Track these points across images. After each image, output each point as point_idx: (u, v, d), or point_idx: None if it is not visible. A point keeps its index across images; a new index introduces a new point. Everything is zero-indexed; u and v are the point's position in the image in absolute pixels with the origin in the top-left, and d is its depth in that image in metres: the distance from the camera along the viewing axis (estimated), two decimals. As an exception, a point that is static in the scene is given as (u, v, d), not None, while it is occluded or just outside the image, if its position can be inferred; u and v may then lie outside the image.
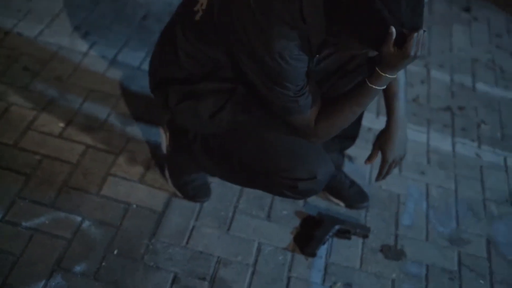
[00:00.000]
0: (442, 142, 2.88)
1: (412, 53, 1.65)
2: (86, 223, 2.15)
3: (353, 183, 2.46)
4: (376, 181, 2.13)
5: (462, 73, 3.35)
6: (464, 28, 3.77)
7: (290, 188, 1.99)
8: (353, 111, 1.88)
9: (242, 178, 2.13)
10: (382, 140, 2.07)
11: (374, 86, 1.80)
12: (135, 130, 2.53)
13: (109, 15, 3.09)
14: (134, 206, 2.26)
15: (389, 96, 2.03)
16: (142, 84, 2.72)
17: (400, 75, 2.00)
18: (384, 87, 1.82)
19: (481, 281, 2.28)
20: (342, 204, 2.43)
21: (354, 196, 2.43)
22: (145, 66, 2.85)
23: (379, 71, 1.76)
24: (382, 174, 2.10)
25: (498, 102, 3.22)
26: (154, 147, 2.47)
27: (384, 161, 2.07)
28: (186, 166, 2.28)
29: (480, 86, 3.31)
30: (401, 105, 2.02)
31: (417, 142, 2.81)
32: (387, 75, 1.76)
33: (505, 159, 2.86)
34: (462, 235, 2.44)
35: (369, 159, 2.11)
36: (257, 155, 1.99)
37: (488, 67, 3.48)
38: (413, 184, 2.61)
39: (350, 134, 2.34)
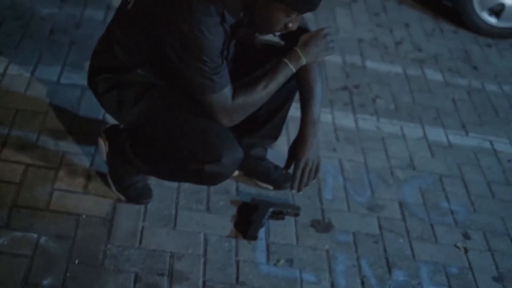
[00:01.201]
0: (346, 120, 3.19)
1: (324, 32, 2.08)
2: (43, 239, 2.27)
3: (276, 167, 2.70)
4: (291, 190, 2.29)
5: (351, 54, 3.68)
6: (346, 10, 4.10)
7: (198, 172, 2.13)
8: (267, 88, 2.12)
9: (165, 169, 2.30)
10: (295, 147, 2.28)
11: (289, 63, 2.10)
12: (69, 143, 2.64)
13: (16, 34, 3.15)
14: (84, 216, 2.39)
15: (303, 102, 2.24)
16: (64, 98, 2.83)
17: (317, 81, 2.23)
18: (297, 67, 2.12)
19: (401, 240, 2.61)
20: (270, 187, 2.67)
21: (280, 178, 2.68)
22: (64, 80, 2.96)
23: (296, 50, 2.10)
24: (296, 179, 2.26)
25: (387, 76, 3.57)
26: (91, 157, 2.60)
27: (296, 166, 2.25)
28: (125, 170, 2.44)
29: (369, 64, 3.64)
30: (313, 110, 2.23)
31: (324, 122, 3.09)
32: (302, 55, 2.10)
33: (401, 128, 3.21)
34: (377, 202, 2.75)
35: (285, 166, 2.33)
36: (171, 143, 2.18)
37: (373, 45, 3.83)
38: (328, 161, 2.89)
39: (273, 134, 2.58)
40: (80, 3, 3.51)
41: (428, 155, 3.08)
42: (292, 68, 2.14)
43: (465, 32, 4.20)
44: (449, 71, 3.76)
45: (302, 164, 2.25)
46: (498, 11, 4.12)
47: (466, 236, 2.69)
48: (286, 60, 2.13)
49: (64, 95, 2.86)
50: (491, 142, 3.27)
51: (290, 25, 2.01)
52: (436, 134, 3.23)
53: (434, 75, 3.70)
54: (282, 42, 2.31)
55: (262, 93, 2.12)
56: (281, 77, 2.14)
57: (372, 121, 3.22)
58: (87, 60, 2.33)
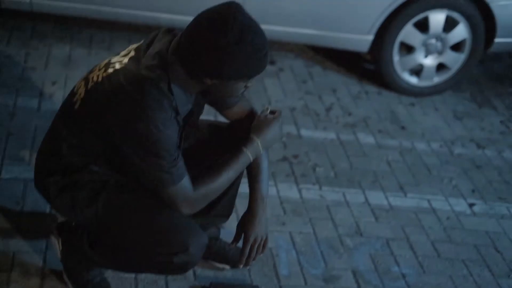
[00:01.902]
0: (290, 191, 3.25)
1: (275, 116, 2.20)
2: None
3: (229, 245, 2.72)
4: (239, 264, 2.35)
5: (286, 123, 3.76)
6: (274, 80, 4.21)
7: (167, 264, 2.16)
8: (228, 176, 2.17)
9: (128, 264, 2.29)
10: (244, 222, 2.34)
11: (248, 153, 2.17)
12: (18, 241, 2.57)
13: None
14: (43, 318, 2.32)
15: (251, 178, 2.32)
16: (8, 194, 2.78)
17: (263, 158, 2.31)
18: (255, 156, 2.19)
19: (360, 310, 2.66)
20: (227, 267, 2.68)
21: (235, 256, 2.69)
22: (4, 175, 2.89)
23: (252, 136, 2.19)
24: (244, 255, 2.33)
25: (323, 144, 3.67)
26: (43, 254, 2.54)
27: (245, 241, 2.31)
28: (81, 266, 2.39)
29: (304, 132, 3.74)
30: (261, 186, 2.31)
31: (270, 196, 3.13)
32: (259, 144, 2.19)
33: (344, 195, 3.30)
34: (332, 273, 2.80)
35: (234, 240, 2.39)
36: (134, 239, 2.18)
37: (305, 113, 3.94)
38: (279, 235, 2.93)
39: (226, 213, 2.60)
40: (12, 92, 3.46)
41: (372, 219, 3.17)
42: (250, 157, 2.20)
43: (389, 93, 4.38)
44: (379, 133, 3.91)
45: (251, 239, 2.31)
46: (418, 71, 4.32)
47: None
48: (245, 150, 2.19)
49: (7, 191, 2.80)
50: (428, 201, 3.39)
51: (249, 85, 2.07)
52: (377, 197, 3.34)
53: (366, 138, 3.83)
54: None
55: (223, 182, 2.17)
56: (240, 166, 2.20)
57: (315, 190, 3.29)
58: (27, 151, 2.31)
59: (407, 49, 4.28)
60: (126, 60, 2.08)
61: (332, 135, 3.78)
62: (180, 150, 2.07)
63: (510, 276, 2.99)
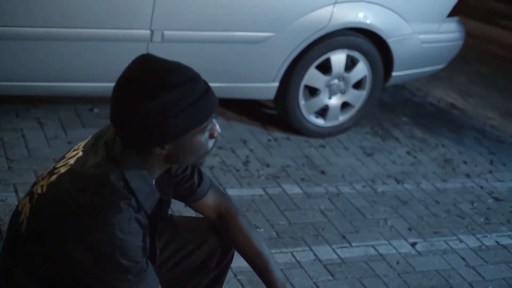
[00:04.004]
0: (239, 260, 2.99)
1: None
2: None
3: None
4: None
5: (211, 185, 3.54)
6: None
7: None
8: None
9: None
10: None
11: None
12: None
13: None
14: None
15: (261, 270, 2.05)
16: None
17: (262, 243, 2.06)
18: None
19: None
20: None
21: None
22: None
23: None
24: None
25: (252, 201, 3.49)
26: None
27: None
28: None
29: (231, 192, 3.55)
30: (277, 275, 2.03)
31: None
32: None
33: (293, 255, 3.14)
34: None
35: None
36: None
37: (224, 170, 3.74)
38: (245, 314, 2.71)
39: None
40: None
41: (329, 277, 3.04)
42: None
43: (297, 137, 4.30)
44: (303, 181, 3.80)
45: None
46: (323, 112, 4.29)
47: None
48: None
49: None
50: (374, 247, 3.32)
51: (214, 133, 1.74)
52: (325, 252, 3.21)
53: (293, 189, 3.71)
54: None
55: None
56: None
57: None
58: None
59: (311, 92, 4.23)
60: (72, 161, 1.75)
61: (259, 191, 3.62)
62: (146, 257, 1.73)
63: (476, 314, 2.97)
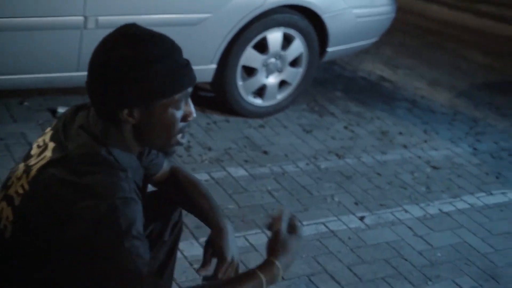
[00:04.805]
0: (193, 248, 2.99)
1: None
2: None
3: None
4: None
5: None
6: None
7: None
8: None
9: None
10: (215, 239, 1.94)
11: (262, 276, 1.68)
12: None
13: None
14: None
15: (207, 211, 2.00)
16: None
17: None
18: (270, 284, 1.69)
19: None
20: None
21: None
22: None
23: (272, 259, 1.71)
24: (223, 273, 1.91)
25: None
26: None
27: (223, 260, 1.89)
28: None
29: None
30: (218, 212, 1.99)
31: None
32: (280, 266, 1.70)
33: (246, 239, 3.12)
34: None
35: (203, 265, 1.95)
36: None
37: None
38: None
39: None
40: None
41: (285, 258, 3.03)
42: (264, 285, 1.68)
43: (236, 118, 4.27)
44: (247, 163, 3.78)
45: (229, 259, 1.90)
46: (261, 92, 4.27)
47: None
48: (260, 274, 1.68)
49: None
50: (324, 224, 3.34)
51: (188, 115, 1.67)
52: (277, 233, 3.20)
53: (238, 172, 3.69)
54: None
55: None
56: None
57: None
58: None
59: (248, 72, 4.20)
60: (49, 153, 1.67)
61: (204, 176, 3.57)
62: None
63: (429, 283, 3.03)
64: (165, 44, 1.62)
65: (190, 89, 1.67)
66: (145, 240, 1.60)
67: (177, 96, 1.63)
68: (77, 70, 3.50)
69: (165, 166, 2.07)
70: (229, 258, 1.90)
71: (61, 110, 3.80)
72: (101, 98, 1.61)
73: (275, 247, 1.75)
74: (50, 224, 1.56)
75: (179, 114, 1.66)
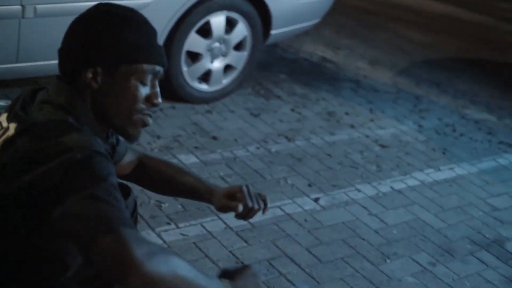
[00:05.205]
0: (150, 238, 2.92)
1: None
2: None
3: None
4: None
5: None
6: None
7: None
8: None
9: None
10: (225, 192, 1.93)
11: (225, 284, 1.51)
12: None
13: None
14: None
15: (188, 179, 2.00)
16: None
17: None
18: None
19: None
20: None
21: None
22: None
23: None
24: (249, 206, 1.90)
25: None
26: None
27: (243, 196, 1.91)
28: None
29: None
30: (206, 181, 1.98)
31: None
32: None
33: (203, 226, 3.07)
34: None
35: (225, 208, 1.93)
36: None
37: (116, 147, 3.58)
38: None
39: None
40: None
41: (244, 244, 3.01)
42: None
43: (182, 105, 4.20)
44: (197, 150, 3.72)
45: (245, 190, 1.93)
46: (206, 77, 4.21)
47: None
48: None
49: None
50: (280, 208, 3.32)
51: (153, 98, 1.61)
52: (234, 219, 3.11)
53: (189, 159, 3.63)
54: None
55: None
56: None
57: (173, 229, 3.02)
58: None
59: (193, 57, 4.13)
60: (11, 131, 1.52)
61: (155, 165, 3.49)
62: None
63: (387, 261, 3.05)
64: (144, 18, 1.62)
65: (160, 71, 1.62)
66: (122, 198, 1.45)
67: (144, 67, 1.57)
68: (17, 61, 3.36)
69: (131, 156, 2.00)
70: (245, 190, 1.92)
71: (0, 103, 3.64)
72: (70, 52, 1.58)
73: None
74: (26, 194, 1.43)
75: (143, 90, 1.60)
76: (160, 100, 1.65)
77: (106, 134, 1.73)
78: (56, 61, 1.63)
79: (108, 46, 1.55)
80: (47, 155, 1.42)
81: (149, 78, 1.61)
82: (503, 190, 3.88)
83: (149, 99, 1.62)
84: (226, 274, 1.55)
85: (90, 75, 1.56)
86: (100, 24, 1.57)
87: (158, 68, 1.62)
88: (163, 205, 3.17)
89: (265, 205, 1.98)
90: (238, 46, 4.24)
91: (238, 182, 3.47)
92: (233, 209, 1.91)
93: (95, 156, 1.42)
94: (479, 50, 6.64)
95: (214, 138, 3.89)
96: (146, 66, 1.58)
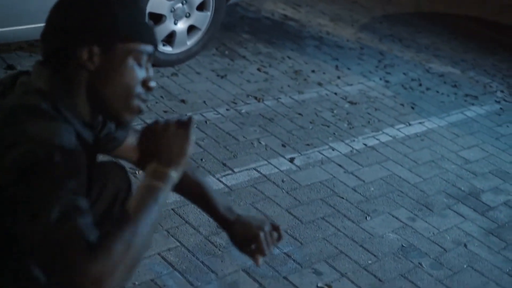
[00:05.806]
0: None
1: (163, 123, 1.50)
2: None
3: None
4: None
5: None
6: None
7: None
8: (148, 224, 1.38)
9: None
10: (240, 231, 1.82)
11: (161, 185, 1.46)
12: None
13: None
14: None
15: (207, 200, 1.89)
16: None
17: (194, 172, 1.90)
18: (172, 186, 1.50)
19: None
20: None
21: None
22: None
23: (157, 166, 1.46)
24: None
25: (125, 143, 3.27)
26: None
27: (258, 241, 1.80)
28: None
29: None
30: (222, 201, 1.88)
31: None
32: (169, 170, 1.47)
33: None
34: (226, 280, 2.55)
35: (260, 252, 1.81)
36: None
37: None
38: (150, 262, 2.56)
39: None
40: None
41: (223, 208, 2.94)
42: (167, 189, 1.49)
43: (147, 69, 4.07)
44: (167, 114, 3.63)
45: (261, 235, 1.79)
46: (170, 39, 4.09)
47: (318, 273, 2.67)
48: (155, 183, 1.46)
49: None
50: (256, 170, 3.27)
51: (148, 82, 1.50)
52: (211, 182, 3.09)
53: (159, 123, 3.52)
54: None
55: (142, 235, 1.36)
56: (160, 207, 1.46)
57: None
58: None
59: (156, 19, 4.00)
60: None
61: (125, 131, 3.39)
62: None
63: (367, 218, 3.04)
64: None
65: (153, 52, 1.53)
66: (85, 198, 1.35)
67: (141, 47, 1.48)
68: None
69: (132, 139, 1.82)
70: (261, 234, 1.80)
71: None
72: (60, 32, 1.45)
73: (147, 149, 1.49)
74: None
75: (140, 73, 1.50)
76: (154, 83, 1.55)
77: (97, 121, 1.62)
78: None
79: (105, 24, 1.45)
80: (7, 142, 1.32)
81: (144, 59, 1.52)
82: (473, 142, 3.91)
83: (145, 82, 1.53)
84: None
85: (86, 55, 1.44)
86: (94, 1, 1.47)
87: (152, 48, 1.53)
88: (138, 172, 3.08)
89: (279, 236, 1.87)
90: (201, 6, 4.12)
91: (212, 145, 3.40)
92: (254, 262, 1.85)
93: (56, 155, 1.31)
94: (435, 3, 6.64)
95: (183, 101, 3.80)
96: (142, 46, 1.49)
